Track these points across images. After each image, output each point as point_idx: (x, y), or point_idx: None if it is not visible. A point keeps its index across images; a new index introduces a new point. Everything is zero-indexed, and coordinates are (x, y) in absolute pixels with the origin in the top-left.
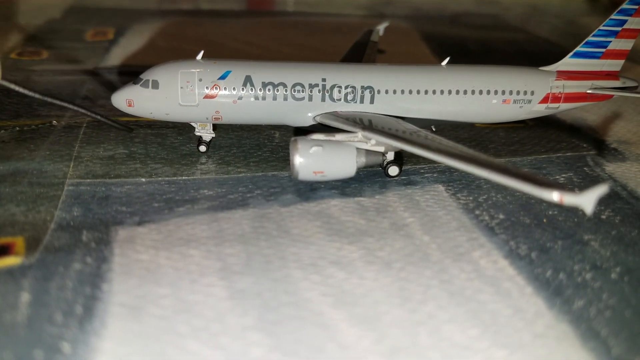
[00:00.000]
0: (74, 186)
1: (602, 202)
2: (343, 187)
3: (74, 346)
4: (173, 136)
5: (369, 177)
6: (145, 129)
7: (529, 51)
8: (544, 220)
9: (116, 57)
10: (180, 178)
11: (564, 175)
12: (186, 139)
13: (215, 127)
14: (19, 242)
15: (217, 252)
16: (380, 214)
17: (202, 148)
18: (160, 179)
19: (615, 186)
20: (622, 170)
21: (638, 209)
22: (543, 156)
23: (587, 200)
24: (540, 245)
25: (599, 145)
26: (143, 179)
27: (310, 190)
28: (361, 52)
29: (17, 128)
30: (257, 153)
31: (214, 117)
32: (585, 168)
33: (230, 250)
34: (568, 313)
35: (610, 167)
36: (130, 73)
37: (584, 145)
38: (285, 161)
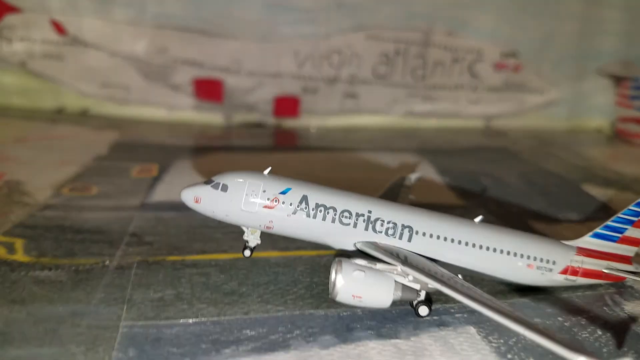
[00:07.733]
0: (127, 328)
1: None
2: (378, 328)
3: None
4: (216, 274)
5: (402, 317)
6: (190, 269)
7: (538, 184)
8: None
9: (161, 192)
10: (224, 318)
11: (584, 316)
12: (227, 277)
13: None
14: None
15: None
16: (418, 358)
17: (247, 253)
18: (205, 319)
19: (636, 326)
20: None
21: None
22: (563, 295)
23: None
24: None
25: (616, 282)
26: (190, 320)
27: (347, 330)
28: (395, 194)
29: (73, 268)
30: (293, 290)
31: (266, 225)
32: (604, 307)
33: None
34: None
35: (629, 306)
36: (174, 208)
37: (601, 283)
38: (320, 299)
